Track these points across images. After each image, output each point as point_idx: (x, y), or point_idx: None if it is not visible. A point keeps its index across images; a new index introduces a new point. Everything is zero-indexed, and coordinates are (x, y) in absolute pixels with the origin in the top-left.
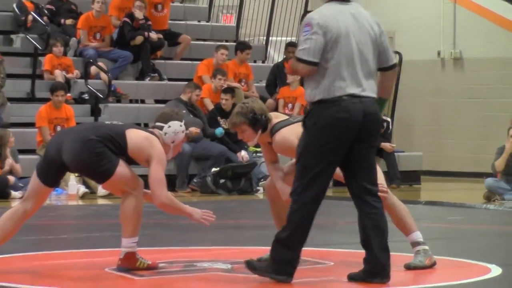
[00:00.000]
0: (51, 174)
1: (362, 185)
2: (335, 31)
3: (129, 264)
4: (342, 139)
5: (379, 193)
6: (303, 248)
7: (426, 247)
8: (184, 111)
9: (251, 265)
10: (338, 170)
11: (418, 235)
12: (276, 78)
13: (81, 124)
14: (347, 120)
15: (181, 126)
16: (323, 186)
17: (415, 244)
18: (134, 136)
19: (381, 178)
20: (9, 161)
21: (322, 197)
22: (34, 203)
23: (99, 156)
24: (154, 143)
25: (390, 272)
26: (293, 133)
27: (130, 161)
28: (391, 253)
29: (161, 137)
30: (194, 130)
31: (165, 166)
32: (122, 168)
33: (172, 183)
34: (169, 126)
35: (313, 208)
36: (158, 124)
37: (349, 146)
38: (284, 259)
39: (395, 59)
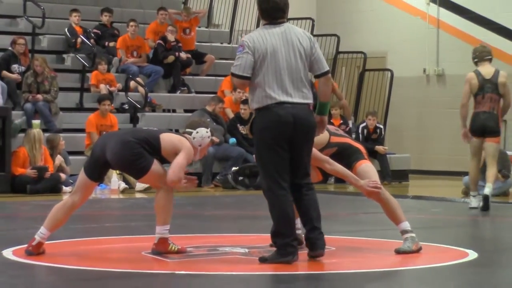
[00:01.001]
0: (96, 171)
1: (298, 182)
2: (262, 51)
3: (162, 248)
4: (279, 138)
5: (374, 189)
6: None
7: (413, 235)
8: (209, 120)
9: (263, 259)
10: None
11: (406, 225)
12: None
13: (122, 129)
14: (279, 122)
15: (207, 132)
16: (282, 177)
17: (403, 232)
18: (167, 138)
19: (375, 176)
20: (59, 158)
21: (287, 186)
22: (81, 196)
23: (137, 155)
24: (184, 142)
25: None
26: None
27: (163, 161)
28: (383, 240)
29: (190, 141)
30: (215, 139)
31: (190, 160)
32: (156, 166)
33: (198, 180)
34: (197, 132)
35: (284, 196)
36: (188, 130)
37: (288, 143)
38: (283, 244)
39: (327, 67)
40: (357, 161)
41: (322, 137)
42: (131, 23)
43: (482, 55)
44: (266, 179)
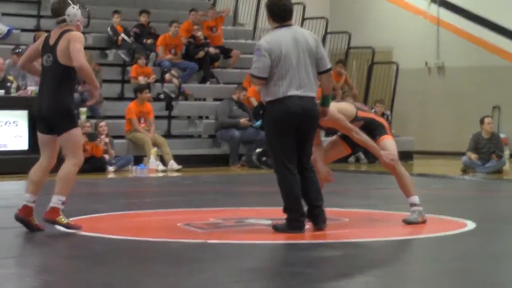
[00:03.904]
0: (45, 126)
1: (303, 165)
2: (277, 53)
3: (51, 216)
4: (288, 127)
5: (391, 162)
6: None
7: (421, 208)
8: (235, 107)
9: (275, 227)
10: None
11: (416, 199)
12: None
13: (47, 80)
14: (288, 113)
15: (73, 7)
16: (290, 160)
17: (412, 205)
18: (60, 52)
19: (394, 151)
20: (103, 139)
21: (294, 168)
22: (48, 153)
23: (67, 111)
24: (67, 36)
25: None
26: (333, 105)
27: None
28: (391, 212)
29: (69, 25)
30: (244, 121)
31: (82, 42)
32: (79, 132)
33: (226, 161)
34: (68, 15)
35: (292, 177)
36: (60, 18)
37: (295, 131)
38: (292, 218)
39: (330, 65)
40: (380, 135)
41: (350, 111)
42: (174, 24)
43: None
44: (276, 162)
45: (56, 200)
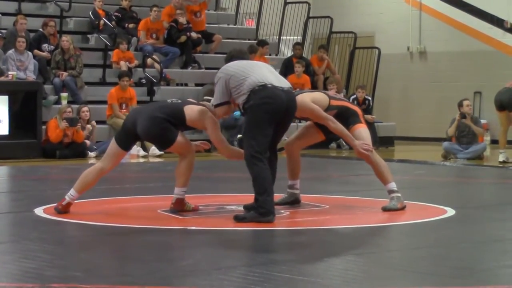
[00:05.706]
0: (127, 141)
1: (273, 150)
2: (237, 61)
3: (179, 207)
4: (273, 114)
5: (365, 151)
6: (303, 195)
7: (399, 194)
8: None
9: (240, 218)
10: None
11: (393, 185)
12: (286, 68)
13: (152, 103)
14: (276, 99)
15: None
16: (265, 150)
17: (390, 191)
18: (191, 111)
19: (368, 140)
20: (90, 126)
21: (267, 155)
22: (111, 163)
23: (164, 130)
24: (205, 113)
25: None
26: (307, 96)
27: (189, 128)
28: (371, 199)
29: (208, 107)
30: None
31: (218, 127)
32: (180, 137)
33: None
34: None
35: (266, 164)
36: (206, 98)
37: (276, 123)
38: (266, 200)
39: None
40: (354, 124)
41: (323, 101)
42: (154, 8)
43: None
44: (253, 148)
45: (179, 192)
